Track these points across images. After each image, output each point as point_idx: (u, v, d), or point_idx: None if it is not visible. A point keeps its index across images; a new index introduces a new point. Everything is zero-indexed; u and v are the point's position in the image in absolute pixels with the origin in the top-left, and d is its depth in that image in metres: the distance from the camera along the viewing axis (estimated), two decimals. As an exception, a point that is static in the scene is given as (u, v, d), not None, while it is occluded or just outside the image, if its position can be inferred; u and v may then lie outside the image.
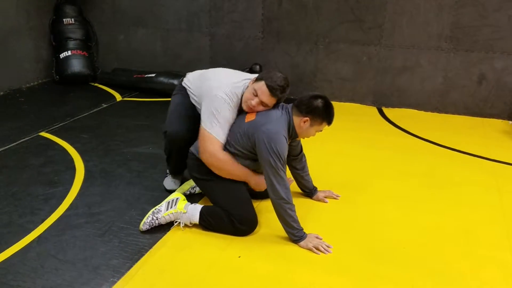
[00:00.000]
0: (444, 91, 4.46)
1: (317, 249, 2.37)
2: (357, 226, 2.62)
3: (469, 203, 2.87)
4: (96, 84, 5.32)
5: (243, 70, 4.88)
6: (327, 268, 2.26)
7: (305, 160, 2.82)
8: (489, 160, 3.50)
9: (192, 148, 2.62)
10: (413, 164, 3.42)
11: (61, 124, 4.09)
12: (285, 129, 2.42)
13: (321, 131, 2.50)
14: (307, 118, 2.41)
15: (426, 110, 4.57)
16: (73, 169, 3.25)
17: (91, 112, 4.43)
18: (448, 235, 2.54)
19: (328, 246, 2.39)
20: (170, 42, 5.34)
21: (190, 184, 2.89)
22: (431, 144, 3.81)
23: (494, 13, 4.06)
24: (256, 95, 2.44)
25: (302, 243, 2.41)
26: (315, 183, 2.89)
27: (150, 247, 2.40)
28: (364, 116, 4.48)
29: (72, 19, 5.34)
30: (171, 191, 2.88)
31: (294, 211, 2.40)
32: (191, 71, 5.03)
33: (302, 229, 2.43)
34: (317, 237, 2.45)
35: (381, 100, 4.68)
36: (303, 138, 2.56)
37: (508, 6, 4.01)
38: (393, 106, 4.65)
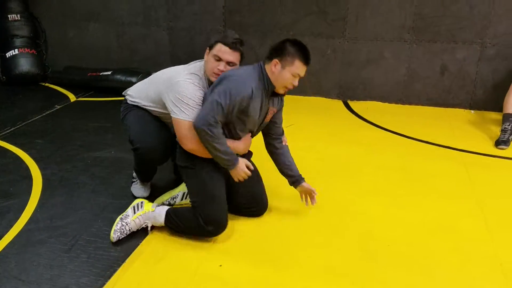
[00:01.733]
0: (407, 82, 4.49)
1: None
2: (339, 225, 2.55)
3: (445, 196, 2.88)
4: (46, 84, 4.99)
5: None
6: (313, 271, 2.18)
7: (287, 146, 2.59)
8: (457, 150, 3.54)
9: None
10: (384, 157, 3.41)
11: (12, 129, 3.77)
12: (255, 80, 2.25)
13: (299, 75, 2.25)
14: (276, 59, 2.22)
15: (390, 102, 4.58)
16: (29, 178, 2.99)
17: (44, 114, 4.13)
18: (430, 230, 2.52)
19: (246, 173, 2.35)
20: (126, 37, 5.08)
21: (170, 194, 2.71)
22: (399, 136, 3.82)
23: (455, 3, 4.11)
24: (219, 59, 2.33)
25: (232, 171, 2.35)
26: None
27: (123, 261, 2.23)
28: (330, 110, 4.44)
29: (18, 15, 4.97)
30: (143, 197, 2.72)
31: (215, 138, 2.21)
32: (150, 66, 4.92)
33: (234, 158, 2.30)
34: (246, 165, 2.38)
35: (346, 93, 4.66)
36: (282, 88, 2.29)
37: (468, -4, 4.07)
38: (359, 99, 4.64)
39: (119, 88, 4.65)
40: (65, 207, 2.68)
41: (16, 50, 4.90)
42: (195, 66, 2.44)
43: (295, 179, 2.55)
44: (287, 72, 2.23)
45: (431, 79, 4.42)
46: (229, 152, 2.27)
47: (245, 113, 2.26)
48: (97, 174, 3.07)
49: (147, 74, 4.66)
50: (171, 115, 2.36)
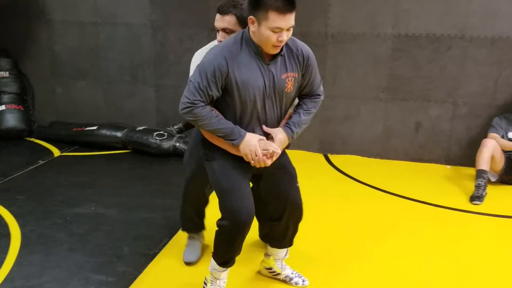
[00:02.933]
0: (384, 138, 4.64)
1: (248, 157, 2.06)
2: (311, 280, 2.57)
3: (419, 252, 2.92)
4: (32, 139, 5.04)
5: (189, 121, 4.87)
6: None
7: (314, 106, 2.23)
8: (433, 206, 3.62)
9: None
10: (362, 212, 3.47)
11: (-6, 185, 3.80)
12: (228, 44, 2.01)
13: (279, 28, 1.87)
14: (250, 16, 1.93)
15: (369, 156, 4.71)
16: (7, 235, 2.99)
17: (27, 170, 4.16)
18: (401, 286, 2.55)
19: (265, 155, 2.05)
20: (113, 94, 5.22)
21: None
22: (377, 190, 3.90)
23: (427, 65, 4.34)
24: (219, 30, 2.22)
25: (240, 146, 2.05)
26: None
27: (96, 322, 2.21)
28: (311, 163, 4.54)
29: (7, 72, 5.11)
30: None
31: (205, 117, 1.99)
32: (136, 122, 5.04)
33: (232, 131, 2.03)
34: (261, 139, 2.08)
35: (326, 147, 4.79)
36: (270, 48, 1.96)
37: (438, 59, 4.30)
38: (338, 153, 4.76)
39: (104, 143, 4.77)
40: (41, 265, 2.67)
41: (3, 106, 4.99)
42: (209, 45, 2.33)
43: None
44: (265, 29, 1.89)
45: (407, 135, 4.57)
46: (225, 127, 2.02)
47: (237, 87, 2.00)
48: (75, 231, 3.08)
49: (132, 129, 4.77)
50: None
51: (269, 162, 2.07)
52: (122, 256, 2.79)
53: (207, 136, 2.13)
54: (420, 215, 3.46)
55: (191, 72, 2.18)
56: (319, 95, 2.26)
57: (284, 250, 2.49)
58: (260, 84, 2.01)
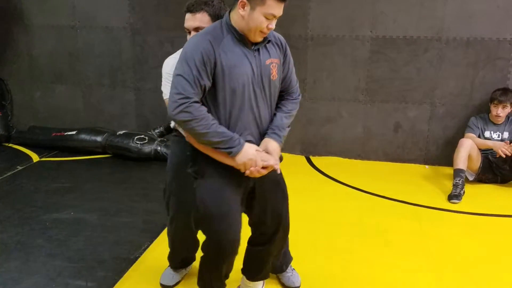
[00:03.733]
0: (364, 139, 4.69)
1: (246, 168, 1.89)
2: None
3: (400, 250, 2.96)
4: (10, 145, 4.96)
5: (171, 124, 4.84)
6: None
7: (294, 108, 2.09)
8: (412, 205, 3.67)
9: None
10: (344, 212, 3.51)
11: (-31, 192, 3.73)
12: (209, 30, 1.86)
13: (273, 15, 1.80)
14: (243, 0, 1.78)
15: (349, 157, 4.76)
16: (-16, 242, 2.94)
17: (5, 176, 4.10)
18: (385, 286, 2.58)
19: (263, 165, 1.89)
20: (92, 98, 5.17)
21: None
22: (357, 191, 3.94)
23: (404, 67, 4.41)
24: (188, 30, 2.07)
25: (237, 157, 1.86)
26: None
27: (76, 327, 2.19)
28: (294, 165, 4.55)
29: (-17, 78, 5.03)
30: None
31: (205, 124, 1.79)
32: (116, 126, 5.00)
33: (231, 138, 1.84)
34: (257, 150, 1.91)
35: (308, 149, 4.82)
36: (257, 34, 1.84)
37: (416, 60, 4.38)
38: (320, 154, 4.80)
39: (84, 148, 4.72)
40: (20, 272, 2.63)
41: (-20, 111, 4.92)
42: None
43: (269, 128, 2.02)
44: (259, 14, 1.78)
45: (386, 136, 4.64)
46: (223, 131, 1.83)
47: (224, 74, 1.82)
48: (54, 237, 3.04)
49: (112, 133, 4.73)
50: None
51: (264, 172, 1.92)
52: (102, 261, 2.76)
53: (196, 144, 1.91)
54: (400, 214, 3.51)
55: (164, 81, 2.08)
56: (298, 96, 2.14)
57: (261, 283, 2.36)
58: (248, 71, 1.86)
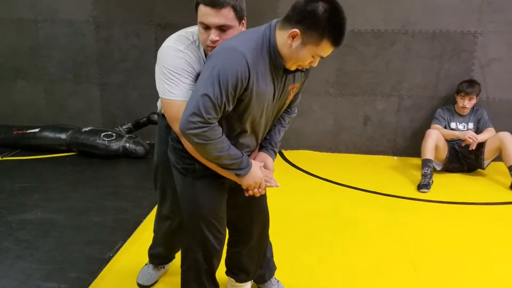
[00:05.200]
0: (335, 132, 4.74)
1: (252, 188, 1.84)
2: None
3: (373, 239, 3.00)
4: (-33, 145, 4.71)
5: (139, 120, 4.74)
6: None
7: (290, 120, 2.06)
8: (383, 195, 3.74)
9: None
10: (317, 204, 3.53)
11: None
12: (251, 48, 1.60)
13: (322, 57, 1.63)
14: (297, 30, 1.56)
15: (321, 150, 4.79)
16: None
17: (-36, 177, 3.89)
18: (361, 274, 2.61)
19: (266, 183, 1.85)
20: (55, 94, 4.98)
21: None
22: (330, 183, 3.98)
23: (373, 60, 4.48)
24: (207, 27, 1.73)
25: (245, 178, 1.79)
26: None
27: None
28: (264, 161, 4.55)
29: None
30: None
31: (221, 146, 1.68)
32: (80, 123, 4.83)
33: (241, 161, 1.75)
34: (260, 168, 1.85)
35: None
36: (294, 66, 1.68)
37: (384, 54, 4.45)
38: (292, 148, 4.81)
39: (47, 146, 4.53)
40: (-15, 276, 2.50)
41: None
42: (193, 27, 1.87)
43: (266, 143, 1.97)
44: (307, 52, 1.60)
45: (356, 129, 4.70)
46: (235, 153, 1.73)
47: (250, 100, 1.67)
48: (22, 238, 2.90)
49: (77, 130, 4.57)
50: (159, 95, 1.84)
51: (263, 193, 1.89)
52: (74, 262, 2.66)
53: (197, 156, 1.78)
54: (373, 204, 3.56)
55: (167, 79, 1.76)
56: (295, 109, 2.07)
57: (249, 283, 2.28)
58: (270, 98, 1.73)
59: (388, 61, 4.47)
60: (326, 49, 1.60)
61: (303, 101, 4.63)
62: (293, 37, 1.58)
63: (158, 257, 2.47)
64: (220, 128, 1.67)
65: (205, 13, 1.70)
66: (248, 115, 1.71)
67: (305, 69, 1.78)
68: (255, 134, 1.85)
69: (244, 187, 1.84)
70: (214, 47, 1.71)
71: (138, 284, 2.45)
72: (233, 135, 1.77)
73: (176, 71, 1.73)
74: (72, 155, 4.53)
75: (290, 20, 1.58)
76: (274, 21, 1.67)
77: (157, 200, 2.31)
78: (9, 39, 4.85)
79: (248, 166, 1.77)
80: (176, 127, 1.75)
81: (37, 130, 4.59)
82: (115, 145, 4.44)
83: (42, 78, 4.94)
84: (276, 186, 1.89)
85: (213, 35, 1.71)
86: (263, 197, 2.09)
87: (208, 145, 1.64)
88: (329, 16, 1.54)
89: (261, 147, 1.97)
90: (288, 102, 1.89)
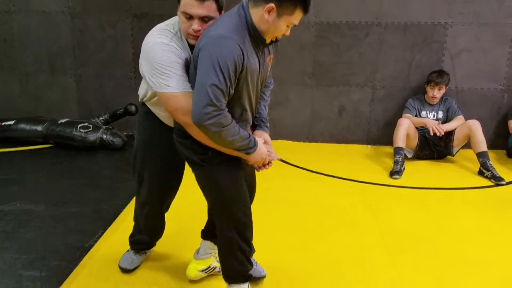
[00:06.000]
0: (312, 122, 4.84)
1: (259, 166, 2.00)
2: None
3: (350, 225, 3.11)
4: None
5: (116, 111, 4.73)
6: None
7: (270, 93, 2.18)
8: (358, 182, 3.86)
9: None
10: (295, 192, 3.62)
11: None
12: (235, 30, 1.74)
13: (294, 24, 1.80)
14: (271, 4, 1.71)
15: (298, 140, 4.89)
16: None
17: None
18: (338, 259, 2.70)
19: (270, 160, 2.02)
20: (30, 86, 4.92)
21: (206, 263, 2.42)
22: (307, 172, 4.08)
23: (347, 51, 4.58)
24: (190, 17, 1.84)
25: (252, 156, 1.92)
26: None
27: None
28: (242, 151, 4.62)
29: None
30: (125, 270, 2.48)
31: (231, 129, 1.78)
32: (56, 114, 4.79)
33: (249, 140, 1.86)
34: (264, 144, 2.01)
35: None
36: (273, 37, 1.84)
37: (358, 45, 4.55)
38: (270, 138, 4.88)
39: (23, 138, 4.49)
40: (-35, 267, 2.50)
41: None
42: (170, 20, 1.97)
43: (258, 121, 2.11)
44: (283, 22, 1.77)
45: (332, 119, 4.81)
46: (244, 135, 1.83)
47: (246, 78, 1.81)
48: (1, 229, 2.90)
49: (53, 122, 4.54)
50: (154, 89, 1.89)
51: (268, 167, 2.04)
52: (54, 251, 2.68)
53: (209, 143, 1.87)
54: (347, 191, 3.67)
55: (161, 73, 1.83)
56: (271, 78, 2.18)
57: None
58: (257, 71, 1.87)
59: (362, 53, 4.58)
60: (298, 17, 1.77)
61: (281, 91, 4.77)
62: (269, 11, 1.73)
63: (140, 243, 2.52)
64: (229, 113, 1.77)
65: (189, 4, 1.81)
66: (245, 93, 1.84)
67: (277, 39, 1.90)
68: (251, 109, 1.97)
69: (250, 163, 1.96)
70: (196, 36, 1.84)
71: (121, 268, 2.49)
72: (237, 116, 1.88)
73: (168, 64, 1.82)
74: (49, 147, 4.51)
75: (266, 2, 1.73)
76: (245, 1, 1.80)
77: (135, 188, 2.36)
78: (-19, 30, 4.77)
79: (256, 144, 1.88)
80: (179, 118, 1.86)
81: (12, 122, 4.55)
82: (92, 137, 4.44)
83: (16, 70, 4.88)
84: (278, 159, 2.06)
85: (196, 25, 1.83)
86: (254, 173, 2.26)
87: (223, 131, 1.74)
88: None
89: (254, 126, 2.10)
90: (268, 72, 2.03)
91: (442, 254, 2.78)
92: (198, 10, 1.81)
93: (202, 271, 2.41)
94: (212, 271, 2.43)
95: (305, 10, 1.76)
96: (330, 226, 3.09)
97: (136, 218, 2.49)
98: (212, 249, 2.39)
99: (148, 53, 1.86)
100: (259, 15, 1.75)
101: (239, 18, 1.77)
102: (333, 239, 2.93)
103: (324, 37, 4.56)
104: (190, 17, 1.83)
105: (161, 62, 1.82)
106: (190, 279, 2.40)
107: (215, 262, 2.42)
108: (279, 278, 2.48)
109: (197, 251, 2.43)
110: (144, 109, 2.16)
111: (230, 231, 2.03)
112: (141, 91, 2.14)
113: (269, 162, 2.02)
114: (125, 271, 2.48)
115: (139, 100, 2.19)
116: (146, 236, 2.49)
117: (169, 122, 2.09)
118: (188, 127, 1.87)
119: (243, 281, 2.16)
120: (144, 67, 1.90)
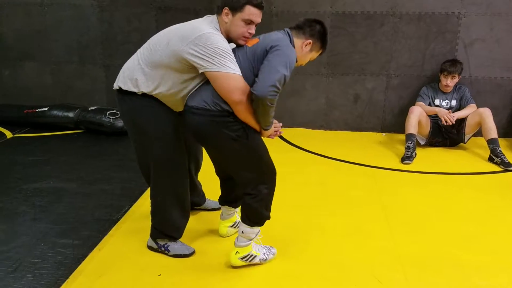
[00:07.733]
0: (327, 110, 5.01)
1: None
2: (264, 234, 2.86)
3: (356, 204, 3.29)
4: (-20, 123, 5.01)
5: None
6: (253, 276, 2.46)
7: None
8: (369, 167, 4.02)
9: (205, 103, 2.25)
10: (307, 175, 3.81)
11: None
12: (290, 43, 2.31)
13: (253, 21, 2.30)
14: (310, 41, 2.32)
15: (313, 128, 5.07)
16: (-32, 211, 3.08)
17: (-20, 151, 4.19)
18: (343, 232, 2.90)
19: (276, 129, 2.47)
20: (62, 75, 5.25)
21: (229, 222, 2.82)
22: (321, 157, 4.26)
23: (362, 41, 4.72)
24: (249, 23, 2.28)
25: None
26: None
27: (66, 278, 2.39)
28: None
29: (-49, 55, 5.00)
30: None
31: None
32: (86, 103, 5.08)
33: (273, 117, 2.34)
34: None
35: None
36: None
37: (372, 35, 4.69)
38: (286, 126, 5.07)
39: (56, 124, 4.82)
40: (7, 234, 2.79)
41: None
42: (212, 21, 2.32)
43: None
44: (309, 56, 2.38)
45: (347, 107, 4.96)
46: (273, 114, 2.30)
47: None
48: (37, 204, 3.20)
49: (84, 109, 4.85)
50: (211, 69, 2.17)
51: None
52: (85, 223, 2.96)
53: (248, 119, 2.26)
54: (359, 174, 3.85)
55: (225, 59, 2.16)
56: None
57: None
58: None
59: (376, 42, 4.71)
60: (251, 12, 2.26)
61: (297, 80, 4.94)
62: (307, 45, 2.34)
63: (176, 227, 2.63)
64: None
65: (253, 13, 2.27)
66: None
67: None
68: None
69: (264, 136, 2.40)
70: (247, 38, 2.32)
71: (191, 253, 2.62)
72: None
73: (228, 51, 2.20)
74: (80, 132, 4.83)
75: (304, 32, 2.34)
76: (286, 29, 2.37)
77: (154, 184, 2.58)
78: (17, 23, 5.11)
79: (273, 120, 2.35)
80: (235, 96, 2.17)
81: (46, 108, 4.88)
82: (120, 123, 4.72)
83: (49, 60, 5.21)
84: (280, 133, 2.54)
85: (253, 29, 2.32)
86: None
87: (271, 108, 2.21)
88: (325, 34, 2.39)
89: None
90: None
91: (440, 229, 2.93)
92: (258, 18, 2.30)
93: (231, 227, 2.82)
94: (237, 225, 2.79)
95: (324, 51, 2.44)
96: (337, 205, 3.28)
97: (156, 213, 2.61)
98: (230, 210, 2.80)
99: (209, 38, 2.17)
100: (299, 45, 2.33)
101: (288, 37, 2.31)
102: (338, 214, 3.12)
103: (340, 27, 4.71)
104: (250, 23, 2.28)
105: (223, 48, 2.18)
106: (222, 235, 2.82)
107: (238, 218, 2.81)
108: (288, 248, 2.69)
109: (222, 214, 2.84)
110: (143, 102, 2.42)
111: (263, 184, 2.39)
112: (150, 83, 2.37)
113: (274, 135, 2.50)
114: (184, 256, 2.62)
115: (148, 92, 2.39)
116: (175, 221, 2.62)
117: (176, 107, 2.41)
118: (239, 105, 2.20)
119: (262, 223, 2.51)
120: (195, 51, 2.17)
